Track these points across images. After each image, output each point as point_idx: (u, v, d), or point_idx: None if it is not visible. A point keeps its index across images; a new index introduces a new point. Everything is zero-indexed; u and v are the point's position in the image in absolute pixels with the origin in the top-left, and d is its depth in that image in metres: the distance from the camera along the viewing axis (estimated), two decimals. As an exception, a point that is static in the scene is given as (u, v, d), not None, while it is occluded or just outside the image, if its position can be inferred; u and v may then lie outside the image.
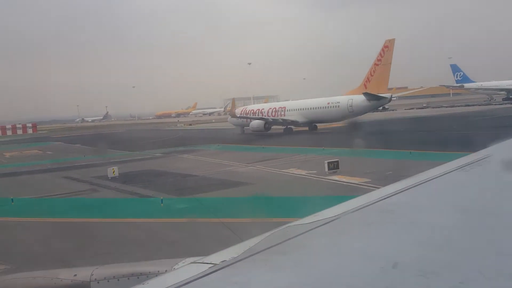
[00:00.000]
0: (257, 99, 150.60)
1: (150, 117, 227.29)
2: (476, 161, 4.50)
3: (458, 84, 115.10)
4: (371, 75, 53.64)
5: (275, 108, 62.17)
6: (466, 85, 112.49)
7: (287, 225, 2.78)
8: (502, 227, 2.66)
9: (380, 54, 53.06)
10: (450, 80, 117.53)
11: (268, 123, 58.80)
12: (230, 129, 67.85)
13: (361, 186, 19.86)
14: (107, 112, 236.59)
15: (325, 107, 56.74)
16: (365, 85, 54.07)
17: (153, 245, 14.39)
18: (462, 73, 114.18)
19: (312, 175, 24.13)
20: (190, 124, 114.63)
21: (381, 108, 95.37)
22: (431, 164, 4.75)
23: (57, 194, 25.09)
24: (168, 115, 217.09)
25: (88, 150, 54.31)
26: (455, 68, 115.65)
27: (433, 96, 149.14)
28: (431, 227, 2.69)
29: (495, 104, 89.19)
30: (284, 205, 18.34)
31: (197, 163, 34.34)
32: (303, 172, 25.27)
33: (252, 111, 63.93)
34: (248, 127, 60.61)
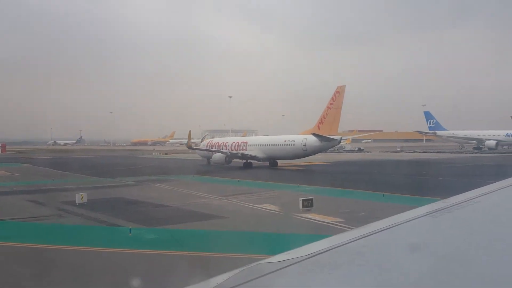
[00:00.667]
0: (236, 132, 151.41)
1: (125, 144, 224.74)
2: (445, 208, 4.58)
3: (431, 131, 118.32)
4: (324, 118, 57.16)
5: (238, 142, 64.91)
6: (439, 132, 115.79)
7: (257, 262, 2.75)
8: (469, 274, 2.69)
9: (333, 98, 56.60)
10: (423, 127, 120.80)
11: (229, 157, 61.06)
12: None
13: (334, 226, 19.87)
14: (81, 136, 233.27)
15: (282, 144, 59.53)
16: (318, 126, 57.38)
17: (115, 277, 13.92)
18: (435, 120, 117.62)
19: (285, 212, 24.06)
20: (166, 153, 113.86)
21: (356, 149, 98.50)
22: (402, 208, 4.81)
23: (18, 218, 24.25)
24: (144, 143, 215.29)
25: (58, 174, 53.14)
26: (428, 115, 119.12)
27: (406, 140, 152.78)
28: (400, 271, 2.70)
29: (466, 153, 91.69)
30: (255, 241, 18.16)
31: (170, 193, 33.90)
32: (277, 208, 25.20)
33: (217, 144, 67.13)
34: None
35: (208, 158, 65.25)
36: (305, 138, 57.03)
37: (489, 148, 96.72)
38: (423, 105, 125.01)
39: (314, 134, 55.35)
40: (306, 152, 57.18)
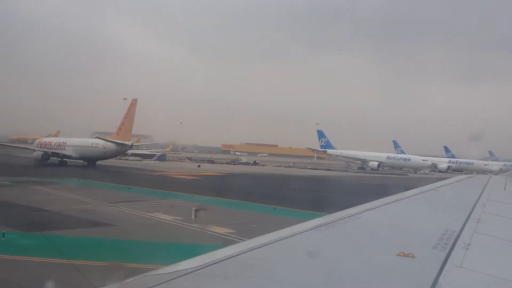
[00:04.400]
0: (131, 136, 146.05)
1: (3, 141, 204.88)
2: (331, 222, 4.88)
3: (322, 149, 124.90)
4: (122, 126, 67.71)
5: (59, 142, 72.90)
6: (329, 151, 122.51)
7: (144, 274, 2.68)
8: (349, 286, 2.88)
9: (128, 109, 67.39)
10: (316, 145, 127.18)
11: (47, 155, 68.59)
12: (101, 164, 70.73)
13: (225, 236, 20.01)
14: None
15: (89, 146, 69.34)
16: (117, 133, 68.19)
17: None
18: (326, 139, 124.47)
19: (177, 222, 23.72)
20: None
21: (252, 162, 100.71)
22: (292, 221, 5.03)
23: None
24: (24, 141, 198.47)
25: None
26: (321, 134, 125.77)
27: (299, 157, 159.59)
28: (287, 283, 2.81)
29: (351, 172, 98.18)
30: (144, 251, 17.61)
31: (51, 197, 31.75)
32: (169, 218, 24.74)
33: (44, 143, 74.59)
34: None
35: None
36: (106, 143, 67.04)
37: (372, 169, 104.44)
38: (317, 124, 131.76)
39: (112, 140, 66.56)
40: (106, 155, 67.50)
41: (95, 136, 73.99)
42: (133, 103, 66.89)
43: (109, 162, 72.95)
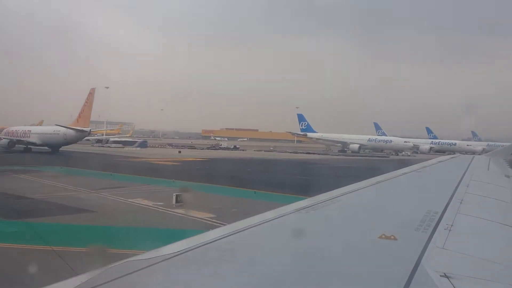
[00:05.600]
0: (111, 124, 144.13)
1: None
2: (311, 206, 4.88)
3: (302, 133, 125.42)
4: (81, 113, 71.36)
5: (25, 131, 76.08)
6: (309, 134, 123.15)
7: (125, 260, 2.64)
8: (329, 269, 2.89)
9: (87, 98, 70.74)
10: (296, 128, 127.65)
11: (12, 142, 71.97)
12: (74, 150, 73.66)
13: (206, 221, 20.03)
14: None
15: (51, 133, 72.29)
16: (77, 120, 71.79)
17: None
18: (306, 123, 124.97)
19: (158, 207, 23.63)
20: None
21: (232, 147, 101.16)
22: (272, 205, 5.02)
23: None
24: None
25: None
26: (301, 118, 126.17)
27: (279, 141, 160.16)
28: (267, 267, 2.80)
29: (331, 154, 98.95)
30: (125, 236, 17.50)
31: (34, 184, 31.36)
32: (150, 203, 24.63)
33: (11, 131, 78.03)
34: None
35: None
36: (66, 130, 70.29)
37: (353, 151, 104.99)
38: (297, 107, 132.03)
39: (72, 127, 70.03)
40: (67, 141, 70.97)
41: (55, 124, 76.27)
42: (91, 92, 70.86)
43: (91, 149, 74.62)
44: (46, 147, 72.40)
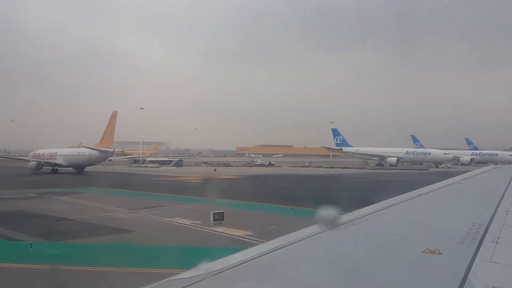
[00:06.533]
0: (147, 144, 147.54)
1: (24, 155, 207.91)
2: (350, 221, 4.79)
3: (337, 147, 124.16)
4: (104, 135, 75.12)
5: (51, 153, 78.27)
6: (345, 148, 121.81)
7: (166, 279, 2.66)
8: (373, 285, 2.81)
9: (109, 120, 75.00)
10: (331, 143, 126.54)
11: (40, 164, 75.31)
12: (122, 172, 77.06)
13: (244, 239, 19.99)
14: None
15: (76, 155, 77.11)
16: (101, 142, 75.19)
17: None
18: (341, 137, 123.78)
19: (196, 225, 23.78)
20: None
21: (267, 163, 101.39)
22: (310, 221, 4.94)
23: None
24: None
25: None
26: (335, 132, 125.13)
27: (314, 155, 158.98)
28: (309, 285, 2.75)
29: (369, 169, 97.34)
30: (166, 256, 17.66)
31: (75, 206, 32.15)
32: (188, 222, 24.83)
33: (39, 154, 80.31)
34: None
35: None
36: (91, 151, 74.12)
37: (390, 165, 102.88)
38: (331, 122, 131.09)
39: (96, 148, 73.74)
40: (92, 161, 74.27)
41: (81, 146, 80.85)
42: (114, 115, 74.68)
43: (128, 169, 76.03)
44: (71, 168, 75.48)
